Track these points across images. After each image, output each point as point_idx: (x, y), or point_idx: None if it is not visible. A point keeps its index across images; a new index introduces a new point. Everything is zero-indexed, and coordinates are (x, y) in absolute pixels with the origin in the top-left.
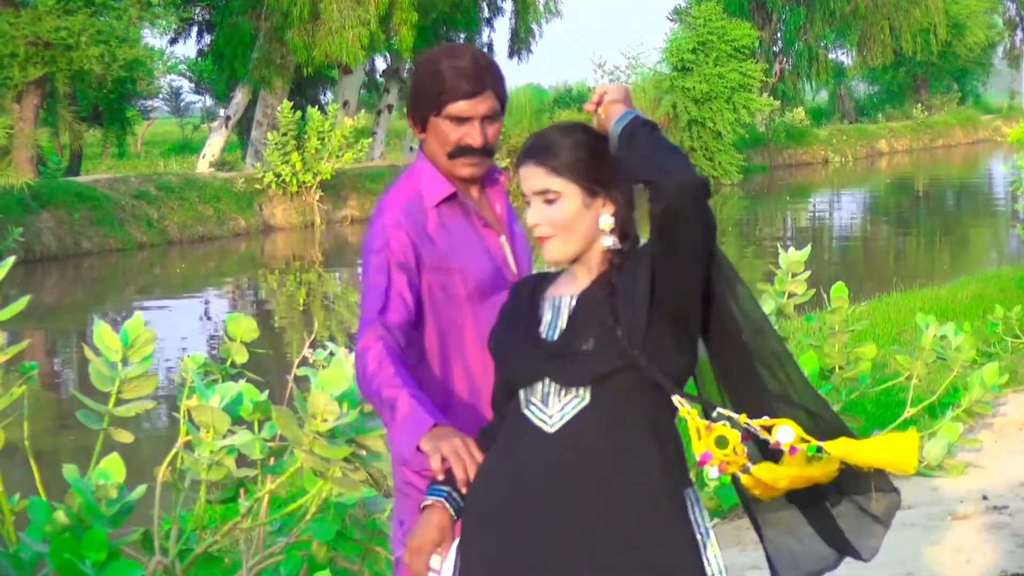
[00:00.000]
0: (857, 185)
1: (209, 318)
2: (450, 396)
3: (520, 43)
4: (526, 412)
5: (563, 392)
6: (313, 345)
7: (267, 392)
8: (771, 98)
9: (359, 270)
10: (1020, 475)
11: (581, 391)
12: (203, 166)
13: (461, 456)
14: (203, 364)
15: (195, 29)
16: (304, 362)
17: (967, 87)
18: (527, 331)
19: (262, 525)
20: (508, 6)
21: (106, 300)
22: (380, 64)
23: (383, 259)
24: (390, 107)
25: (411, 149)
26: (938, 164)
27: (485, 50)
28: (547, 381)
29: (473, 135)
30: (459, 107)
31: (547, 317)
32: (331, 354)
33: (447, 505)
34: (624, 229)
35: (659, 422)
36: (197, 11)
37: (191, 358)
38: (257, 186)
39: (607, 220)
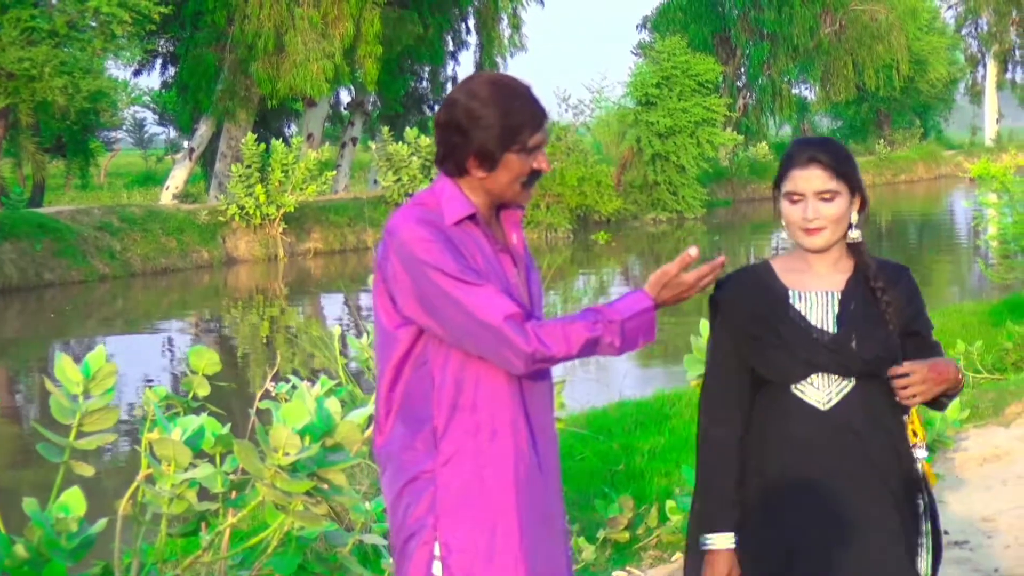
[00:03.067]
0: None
1: (172, 351)
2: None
3: None
4: (796, 392)
5: (834, 377)
6: (275, 378)
7: (229, 425)
8: (735, 133)
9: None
10: (981, 510)
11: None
12: (166, 198)
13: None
14: (165, 397)
15: (159, 61)
16: (266, 395)
17: (929, 123)
18: (798, 327)
19: (223, 559)
20: (473, 40)
21: (68, 332)
22: (344, 97)
23: (443, 252)
24: (354, 140)
25: (375, 182)
26: (900, 199)
27: (449, 84)
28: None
29: (543, 160)
30: (539, 138)
31: (814, 312)
32: (293, 387)
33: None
34: (860, 226)
35: (896, 407)
36: (161, 43)
37: (153, 391)
38: (220, 218)
39: (856, 216)
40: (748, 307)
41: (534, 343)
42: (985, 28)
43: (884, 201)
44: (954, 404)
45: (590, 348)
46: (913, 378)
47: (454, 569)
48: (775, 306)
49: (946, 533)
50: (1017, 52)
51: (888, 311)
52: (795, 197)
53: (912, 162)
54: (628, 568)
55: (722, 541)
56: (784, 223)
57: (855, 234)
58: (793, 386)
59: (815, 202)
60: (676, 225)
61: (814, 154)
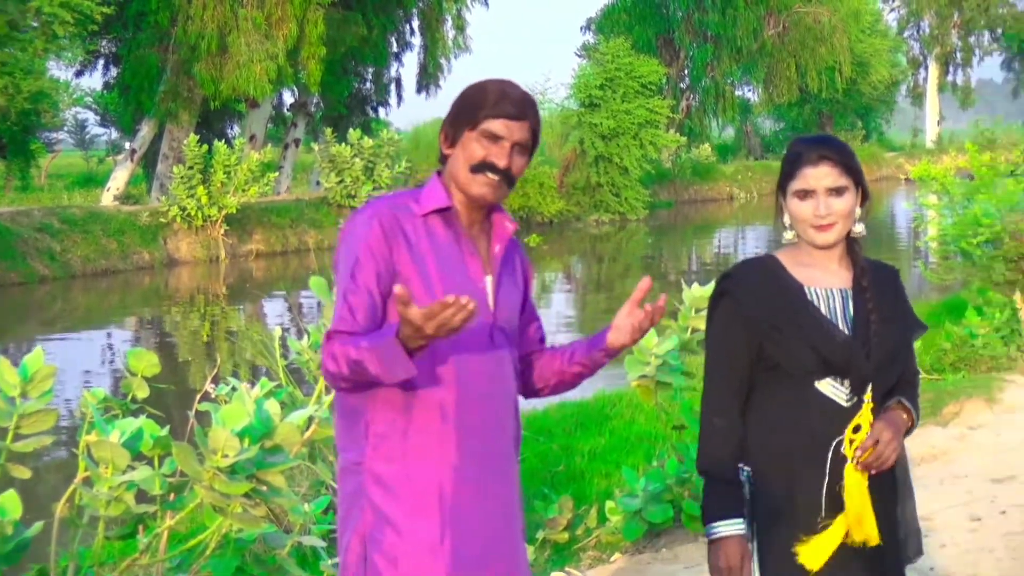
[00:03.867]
0: (762, 221)
1: (111, 352)
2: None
3: (428, 78)
4: (818, 387)
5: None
6: (215, 380)
7: (168, 427)
8: (678, 134)
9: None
10: (918, 509)
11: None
12: (108, 199)
13: None
14: (104, 399)
15: (101, 61)
16: (206, 397)
17: (871, 124)
18: (818, 324)
19: (161, 561)
20: (417, 41)
21: (6, 334)
22: (287, 98)
23: (351, 253)
24: (297, 141)
25: (317, 184)
26: None
27: (393, 86)
28: (847, 367)
29: (500, 155)
30: (496, 125)
31: (829, 310)
32: (233, 389)
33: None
34: (863, 220)
35: None
36: (103, 43)
37: (91, 393)
38: (162, 219)
39: (859, 211)
40: (766, 298)
41: (327, 359)
42: (927, 31)
43: None
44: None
45: (361, 371)
46: (879, 447)
47: (378, 563)
48: (793, 300)
49: None
50: (958, 55)
51: (881, 312)
52: (806, 195)
53: None
54: (567, 568)
55: (730, 528)
56: (791, 222)
57: (860, 228)
58: (816, 381)
59: (826, 198)
60: (619, 227)
61: (825, 152)
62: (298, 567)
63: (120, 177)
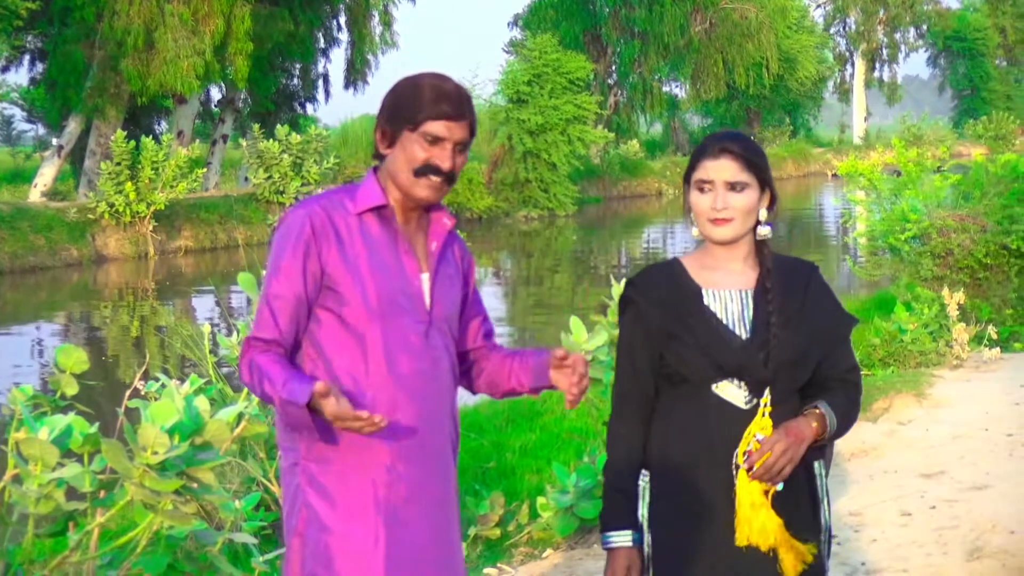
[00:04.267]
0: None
1: (40, 349)
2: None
3: (356, 74)
4: (716, 391)
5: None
6: (145, 377)
7: (97, 424)
8: (606, 130)
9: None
10: (849, 505)
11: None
12: (35, 196)
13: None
14: (32, 396)
15: (27, 57)
16: (135, 394)
17: (799, 120)
18: (712, 328)
19: (92, 559)
20: (344, 37)
21: None
22: (215, 94)
23: (280, 253)
24: (225, 137)
25: (246, 180)
26: None
27: (321, 82)
28: (741, 371)
29: (443, 157)
30: (437, 127)
31: (728, 312)
32: (163, 386)
33: (634, 545)
34: (769, 223)
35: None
36: (29, 39)
37: (20, 390)
38: (90, 216)
39: (765, 212)
40: (663, 305)
41: (244, 368)
42: (853, 27)
43: None
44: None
45: (269, 401)
46: (772, 459)
47: (314, 565)
48: (689, 305)
49: None
50: (884, 51)
51: (783, 313)
52: (705, 186)
53: (782, 159)
54: (499, 565)
55: (621, 539)
56: (693, 214)
57: (765, 230)
58: (713, 385)
59: (725, 192)
60: (548, 223)
61: (725, 145)
62: (229, 564)
63: (47, 173)
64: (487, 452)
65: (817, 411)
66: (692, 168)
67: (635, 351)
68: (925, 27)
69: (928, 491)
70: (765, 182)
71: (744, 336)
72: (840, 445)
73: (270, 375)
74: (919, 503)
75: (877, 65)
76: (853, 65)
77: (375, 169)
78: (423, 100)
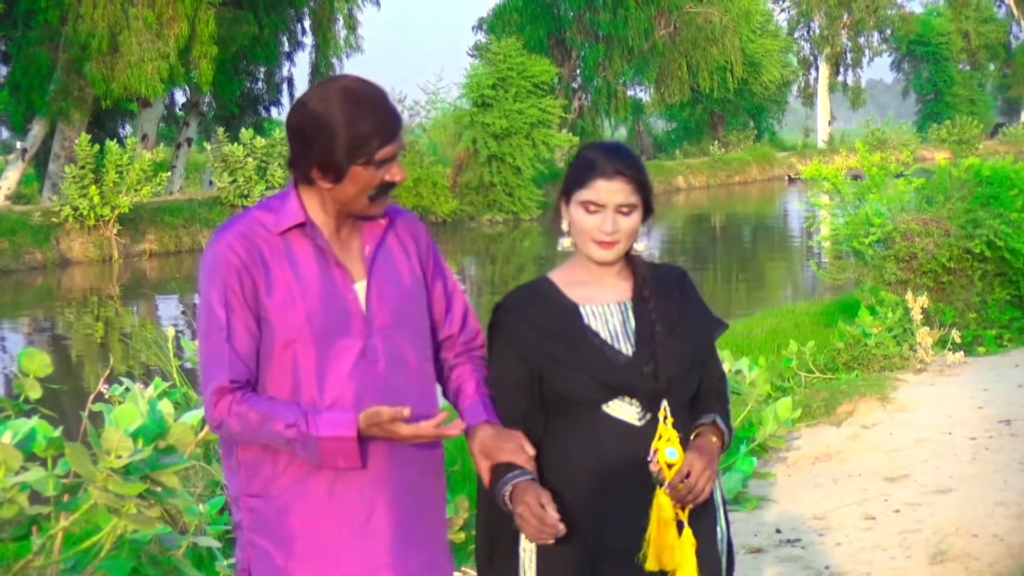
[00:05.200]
0: (655, 220)
1: (4, 353)
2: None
3: (320, 77)
4: (606, 410)
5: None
6: (109, 380)
7: (61, 428)
8: (570, 134)
9: (157, 304)
10: (813, 508)
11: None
12: None
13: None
14: None
15: None
16: (99, 398)
17: (763, 124)
18: (594, 347)
19: (56, 563)
20: (308, 41)
21: None
22: (180, 97)
23: (218, 292)
24: (189, 140)
25: (210, 183)
26: (735, 200)
27: (285, 85)
28: (632, 389)
29: (396, 171)
30: (387, 151)
31: (608, 328)
32: (127, 390)
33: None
34: (644, 236)
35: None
36: None
37: None
38: (54, 219)
39: (641, 228)
40: (539, 327)
41: (220, 417)
42: (817, 31)
43: (718, 202)
44: (786, 403)
45: (281, 444)
46: (691, 479)
47: None
48: (567, 325)
49: (778, 532)
50: (848, 55)
51: (667, 321)
52: (594, 208)
53: (746, 163)
54: (463, 569)
55: (518, 477)
56: (571, 231)
57: (641, 245)
58: (604, 405)
59: (615, 215)
60: (512, 226)
61: (621, 168)
62: (193, 568)
63: (11, 177)
64: (451, 455)
65: (715, 426)
66: (580, 184)
67: (510, 379)
68: (889, 31)
69: (892, 495)
70: (648, 199)
71: (629, 350)
72: (804, 449)
73: (270, 414)
74: (883, 507)
75: (841, 69)
76: (817, 69)
77: (295, 183)
78: (368, 132)
